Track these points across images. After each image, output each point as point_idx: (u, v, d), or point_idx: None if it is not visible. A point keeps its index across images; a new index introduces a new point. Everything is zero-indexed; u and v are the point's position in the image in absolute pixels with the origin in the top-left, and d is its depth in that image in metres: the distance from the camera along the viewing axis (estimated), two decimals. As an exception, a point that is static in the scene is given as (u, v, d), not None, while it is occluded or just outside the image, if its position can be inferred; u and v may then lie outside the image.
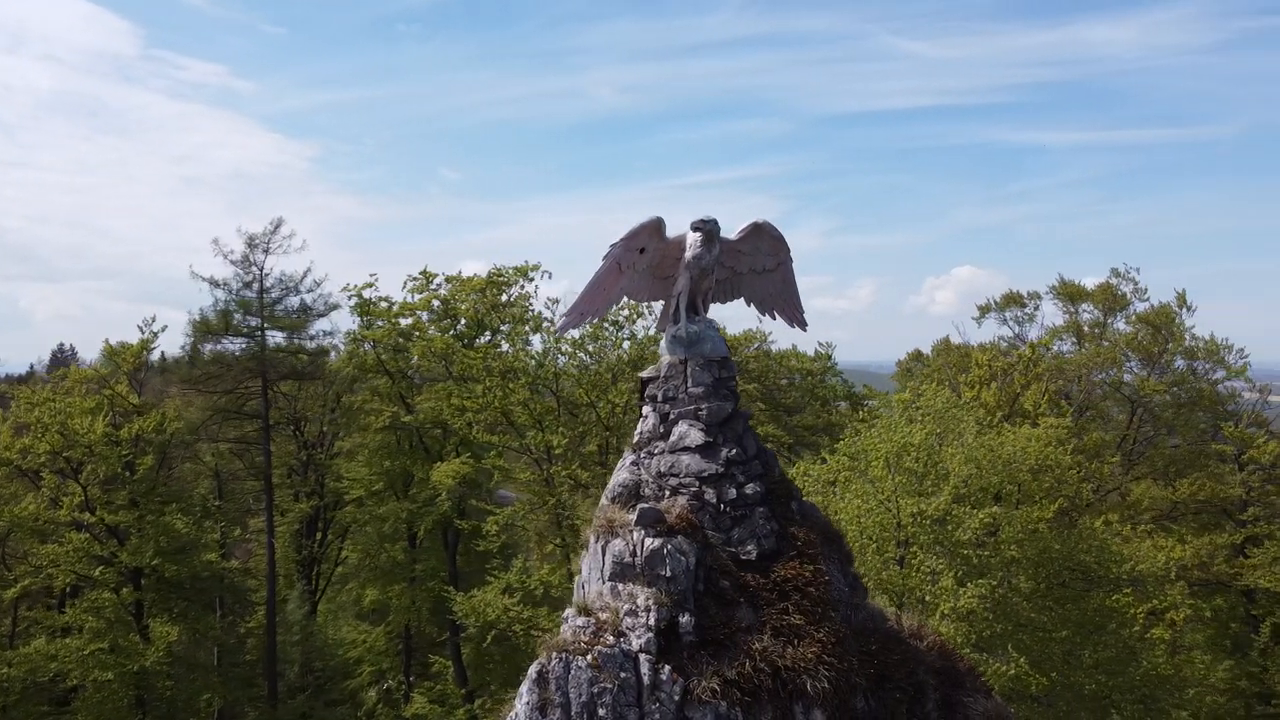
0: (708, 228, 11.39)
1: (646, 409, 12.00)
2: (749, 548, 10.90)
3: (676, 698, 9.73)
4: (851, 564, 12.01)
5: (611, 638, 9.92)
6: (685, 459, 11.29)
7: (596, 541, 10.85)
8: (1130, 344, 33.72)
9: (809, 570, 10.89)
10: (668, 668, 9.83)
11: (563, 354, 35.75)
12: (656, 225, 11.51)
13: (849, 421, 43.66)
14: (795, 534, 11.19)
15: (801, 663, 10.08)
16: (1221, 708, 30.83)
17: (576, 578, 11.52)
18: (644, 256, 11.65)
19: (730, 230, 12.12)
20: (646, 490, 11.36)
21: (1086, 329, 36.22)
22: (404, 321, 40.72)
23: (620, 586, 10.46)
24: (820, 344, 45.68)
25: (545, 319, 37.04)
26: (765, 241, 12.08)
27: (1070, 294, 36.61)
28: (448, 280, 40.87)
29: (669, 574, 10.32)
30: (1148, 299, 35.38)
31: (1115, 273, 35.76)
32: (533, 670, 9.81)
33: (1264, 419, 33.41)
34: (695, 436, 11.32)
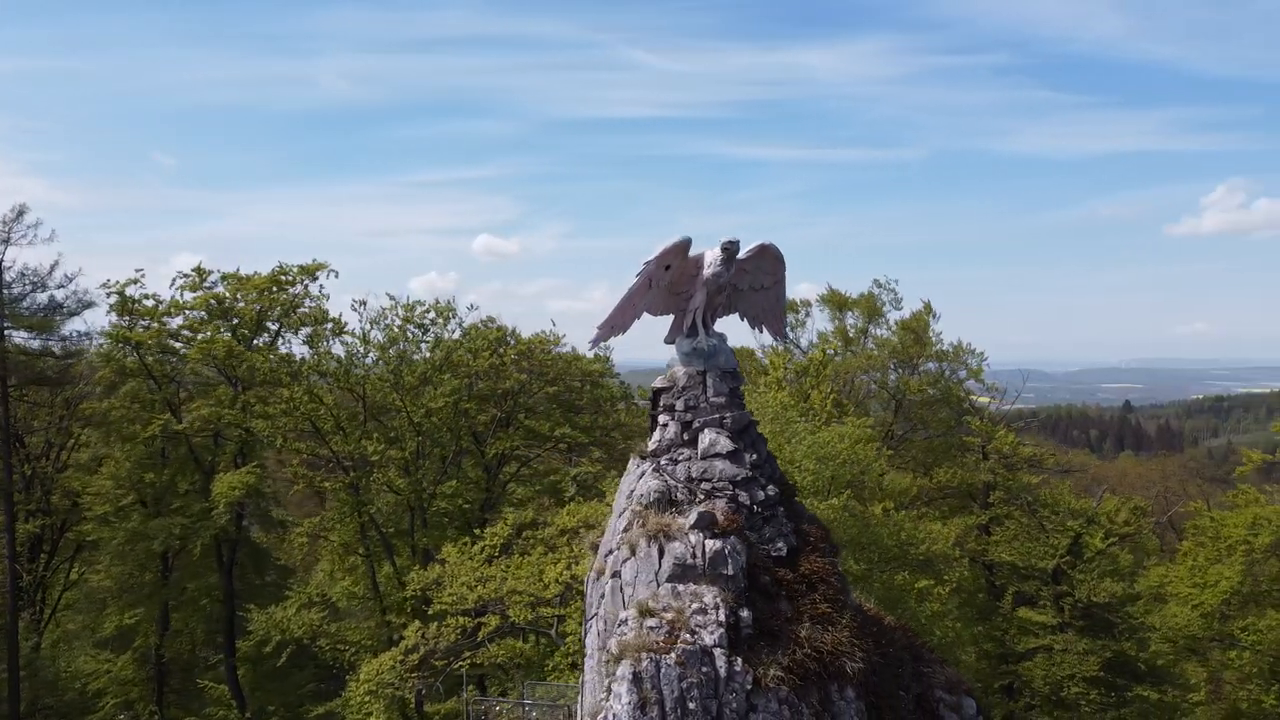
0: (734, 248, 12.21)
1: (664, 418, 12.60)
2: (779, 545, 11.85)
3: (748, 687, 10.50)
4: (839, 555, 13.26)
5: (689, 636, 10.51)
6: (719, 464, 12.04)
7: (649, 545, 11.34)
8: (893, 350, 37.79)
9: (826, 563, 12.02)
10: (739, 660, 10.58)
11: (368, 356, 34.82)
12: (684, 245, 12.17)
13: (627, 420, 45.36)
14: (808, 530, 12.29)
15: (840, 647, 11.19)
16: (970, 668, 35.35)
17: (610, 581, 11.90)
18: (668, 274, 12.26)
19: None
20: (679, 495, 11.98)
21: (851, 334, 40.12)
22: (173, 322, 37.64)
23: (681, 587, 11.05)
24: (602, 347, 46.95)
25: (346, 323, 35.82)
26: (768, 261, 13.04)
27: (838, 303, 40.36)
28: (224, 278, 38.24)
29: (730, 572, 11.08)
30: (901, 307, 39.85)
31: (877, 283, 39.96)
32: (627, 671, 10.18)
33: (998, 415, 38.65)
34: (725, 443, 12.11)
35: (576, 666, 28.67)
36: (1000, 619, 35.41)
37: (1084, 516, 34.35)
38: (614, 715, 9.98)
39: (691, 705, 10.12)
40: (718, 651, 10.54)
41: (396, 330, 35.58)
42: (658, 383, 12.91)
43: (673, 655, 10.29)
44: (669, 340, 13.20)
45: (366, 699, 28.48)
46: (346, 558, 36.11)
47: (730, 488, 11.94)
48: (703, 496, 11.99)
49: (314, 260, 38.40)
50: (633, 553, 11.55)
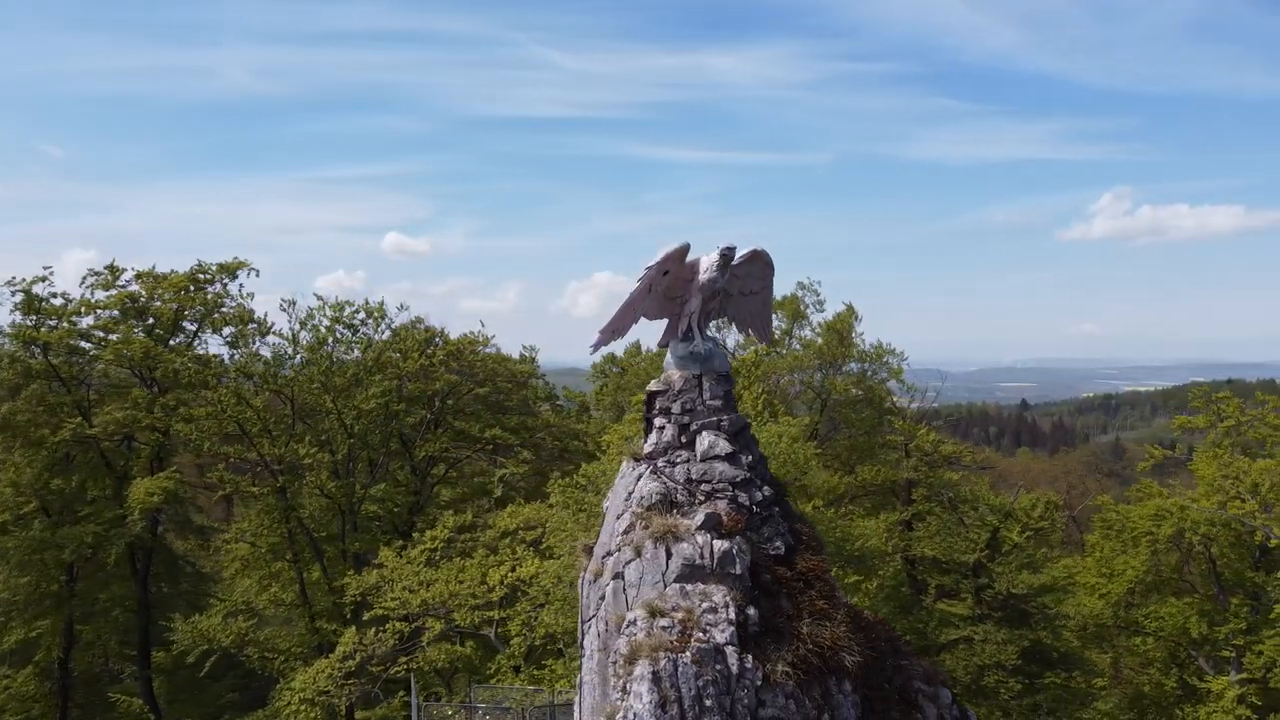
0: (731, 254, 12.48)
1: (660, 420, 12.78)
2: (777, 544, 12.17)
3: (758, 683, 10.78)
4: (824, 553, 13.63)
5: (701, 634, 10.72)
6: (719, 466, 12.29)
7: (656, 546, 11.53)
8: (818, 351, 38.71)
9: (819, 561, 12.38)
10: (750, 657, 10.84)
11: (296, 357, 34.08)
12: (684, 250, 12.38)
13: (554, 421, 45.29)
14: (800, 529, 12.63)
15: (839, 642, 11.55)
16: (893, 660, 36.47)
17: (612, 583, 12.01)
18: (665, 279, 12.46)
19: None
20: (679, 497, 12.19)
21: (777, 335, 40.86)
22: (83, 321, 36.13)
23: (689, 587, 11.26)
24: (525, 348, 46.81)
25: (273, 323, 34.97)
26: (758, 267, 13.34)
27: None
28: (139, 277, 36.90)
29: (738, 571, 11.34)
30: (824, 309, 40.84)
31: (801, 285, 40.83)
32: (646, 671, 10.33)
33: (917, 414, 40.03)
34: (724, 446, 12.38)
35: (520, 669, 28.63)
36: (923, 612, 36.57)
37: (1002, 512, 35.74)
38: (634, 714, 10.13)
39: (708, 702, 10.35)
40: (729, 649, 10.79)
41: (324, 331, 34.94)
42: (652, 386, 13.10)
43: (688, 654, 10.50)
44: (662, 344, 13.41)
45: (301, 708, 27.90)
46: (273, 563, 35.22)
47: (730, 489, 12.21)
48: (703, 498, 12.23)
49: (235, 258, 37.38)
50: (638, 554, 11.71)
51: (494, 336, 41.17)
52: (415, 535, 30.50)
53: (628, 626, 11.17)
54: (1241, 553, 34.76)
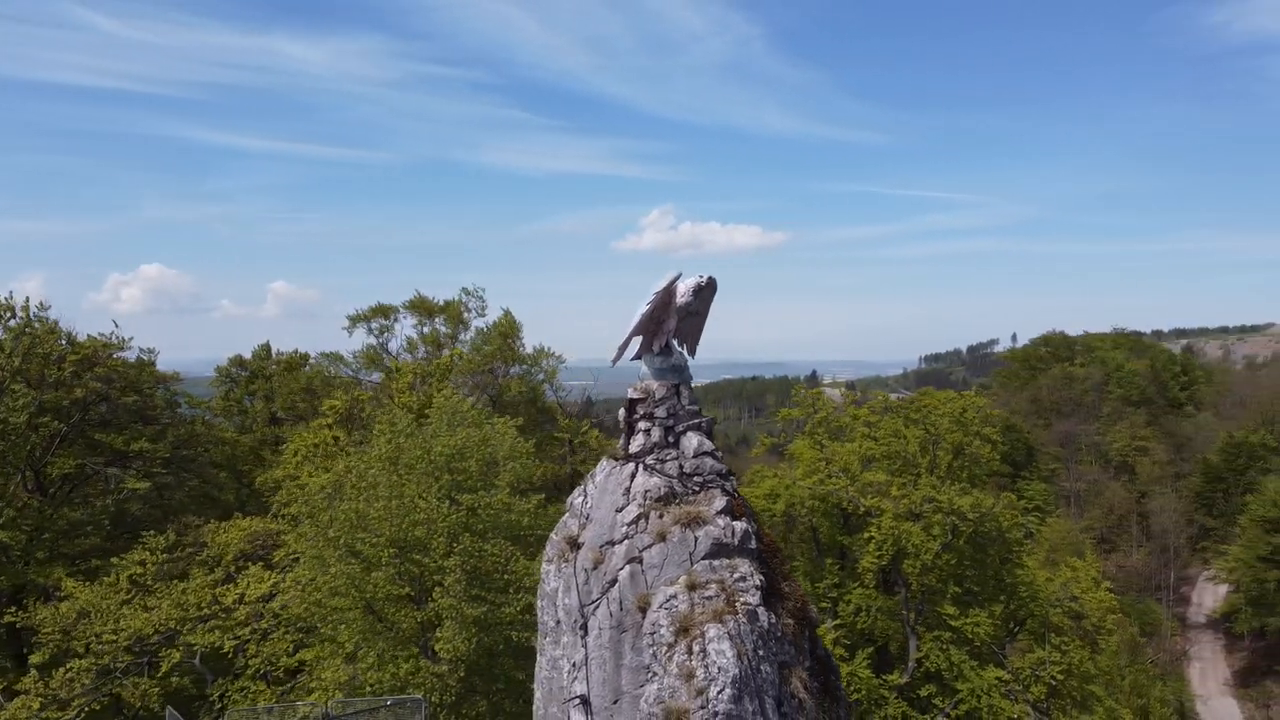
0: (709, 282, 14.55)
1: (645, 424, 14.48)
2: (752, 523, 14.47)
3: (779, 635, 13.11)
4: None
5: (740, 599, 12.79)
6: (709, 461, 14.31)
7: (683, 531, 13.30)
8: (489, 355, 40.59)
9: (768, 535, 14.93)
10: (773, 614, 13.13)
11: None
12: (677, 277, 14.24)
13: (201, 430, 42.29)
14: (754, 510, 15.07)
15: (807, 599, 14.25)
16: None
17: (627, 567, 13.49)
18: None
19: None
20: (678, 488, 14.01)
21: (441, 339, 41.98)
22: None
23: (715, 563, 13.23)
24: (143, 350, 42.76)
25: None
26: (707, 292, 15.42)
27: (426, 309, 41.92)
28: None
29: (754, 546, 13.52)
30: (486, 314, 42.81)
31: (465, 291, 42.31)
32: (721, 632, 12.21)
33: (574, 406, 43.62)
34: (708, 444, 14.43)
35: (248, 691, 27.25)
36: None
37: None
38: (720, 669, 12.00)
39: (761, 653, 12.56)
40: (760, 610, 13.03)
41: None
42: (632, 394, 14.77)
43: (743, 616, 12.59)
44: (636, 357, 15.05)
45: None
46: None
47: (718, 480, 14.34)
48: (695, 489, 14.22)
49: None
50: (660, 539, 13.45)
51: (132, 339, 37.52)
52: (115, 562, 27.44)
53: (668, 600, 12.93)
54: (834, 520, 42.74)
